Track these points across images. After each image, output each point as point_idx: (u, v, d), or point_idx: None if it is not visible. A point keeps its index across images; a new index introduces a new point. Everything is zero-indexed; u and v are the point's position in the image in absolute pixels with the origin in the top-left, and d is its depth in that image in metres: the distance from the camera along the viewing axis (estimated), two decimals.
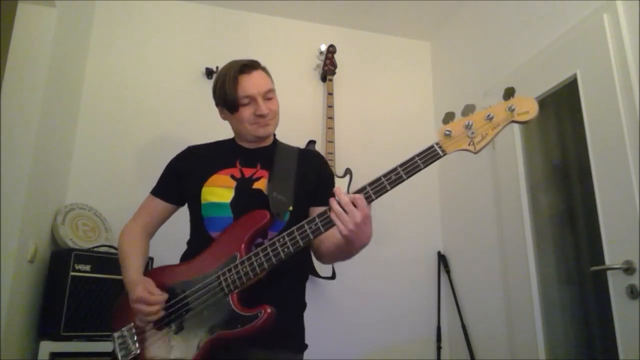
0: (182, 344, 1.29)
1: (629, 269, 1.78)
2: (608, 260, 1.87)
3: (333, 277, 2.68)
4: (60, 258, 2.17)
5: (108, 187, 2.61)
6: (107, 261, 2.21)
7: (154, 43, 2.91)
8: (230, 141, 1.59)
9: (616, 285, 1.83)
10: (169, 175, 1.58)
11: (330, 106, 2.98)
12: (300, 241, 1.23)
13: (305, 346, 1.45)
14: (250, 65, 1.47)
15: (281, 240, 1.25)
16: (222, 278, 1.29)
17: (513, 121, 1.18)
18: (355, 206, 1.16)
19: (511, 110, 1.16)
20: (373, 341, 2.80)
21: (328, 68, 3.05)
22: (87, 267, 2.15)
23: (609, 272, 1.86)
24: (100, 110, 2.72)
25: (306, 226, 1.23)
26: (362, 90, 3.22)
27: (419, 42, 3.42)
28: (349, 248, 1.26)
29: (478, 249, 2.72)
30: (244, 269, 1.27)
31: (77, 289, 2.10)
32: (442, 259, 2.99)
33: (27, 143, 2.00)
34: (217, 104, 1.54)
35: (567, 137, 2.42)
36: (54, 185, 2.38)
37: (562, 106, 2.38)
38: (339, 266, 2.70)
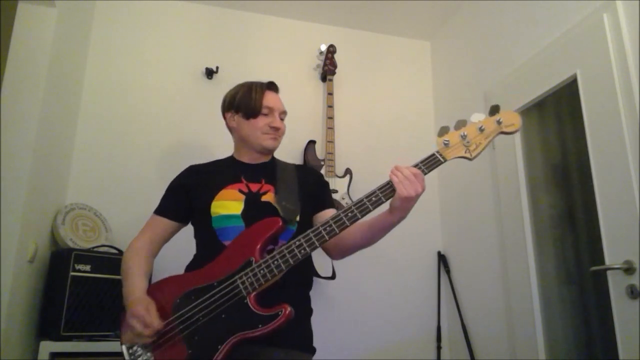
0: (200, 347, 1.31)
1: (629, 269, 1.78)
2: (608, 260, 1.87)
3: (333, 277, 2.68)
4: (60, 258, 2.16)
5: (108, 187, 2.61)
6: (107, 261, 2.21)
7: (154, 43, 2.90)
8: (230, 159, 1.68)
9: (616, 285, 1.83)
10: (172, 194, 1.63)
11: (330, 106, 2.98)
12: (316, 242, 1.32)
13: (314, 350, 1.50)
14: (276, 86, 1.67)
15: (297, 242, 1.33)
16: (239, 281, 1.33)
17: (501, 132, 1.35)
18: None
19: (499, 123, 1.35)
20: (373, 341, 2.80)
21: (328, 68, 3.05)
22: (87, 267, 2.15)
23: (609, 272, 1.86)
24: (100, 110, 2.72)
25: (321, 228, 1.33)
26: (362, 90, 3.22)
27: (419, 42, 3.42)
28: (393, 219, 1.36)
29: (478, 249, 2.72)
30: (262, 271, 1.32)
31: (77, 289, 2.10)
32: (442, 259, 2.99)
33: (27, 143, 1.99)
34: (228, 110, 1.65)
35: (567, 137, 2.42)
36: (54, 185, 2.38)
37: (562, 106, 2.38)
38: (339, 266, 2.70)
